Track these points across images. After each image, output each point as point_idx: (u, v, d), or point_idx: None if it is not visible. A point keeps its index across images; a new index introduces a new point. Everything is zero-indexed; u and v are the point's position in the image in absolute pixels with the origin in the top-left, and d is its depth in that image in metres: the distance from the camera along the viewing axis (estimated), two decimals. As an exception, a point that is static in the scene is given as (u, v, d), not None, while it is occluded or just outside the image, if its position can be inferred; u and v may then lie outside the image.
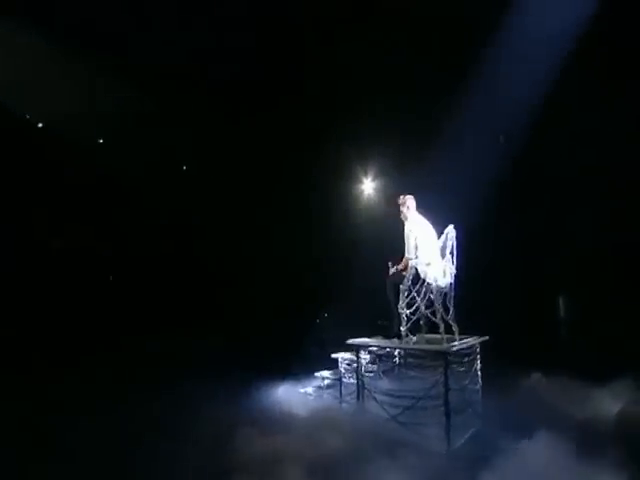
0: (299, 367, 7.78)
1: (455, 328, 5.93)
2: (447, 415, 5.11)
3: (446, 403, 5.13)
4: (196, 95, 10.09)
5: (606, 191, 8.00)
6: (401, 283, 5.98)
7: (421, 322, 6.13)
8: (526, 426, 5.18)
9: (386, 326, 6.28)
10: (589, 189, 8.22)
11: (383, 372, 6.15)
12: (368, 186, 11.41)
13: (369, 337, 6.40)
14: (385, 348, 6.13)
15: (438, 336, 5.88)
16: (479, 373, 6.11)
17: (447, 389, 5.18)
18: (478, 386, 6.07)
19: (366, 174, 11.24)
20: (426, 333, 6.19)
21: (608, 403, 5.94)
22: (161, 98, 9.75)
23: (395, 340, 6.05)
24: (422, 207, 6.25)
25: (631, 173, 7.60)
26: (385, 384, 5.96)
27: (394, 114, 9.22)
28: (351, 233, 10.66)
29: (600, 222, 8.09)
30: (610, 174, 7.86)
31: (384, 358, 6.16)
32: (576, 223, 8.42)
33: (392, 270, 6.16)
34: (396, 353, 6.17)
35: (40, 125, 10.05)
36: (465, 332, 6.05)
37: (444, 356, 5.33)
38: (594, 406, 5.97)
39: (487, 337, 6.25)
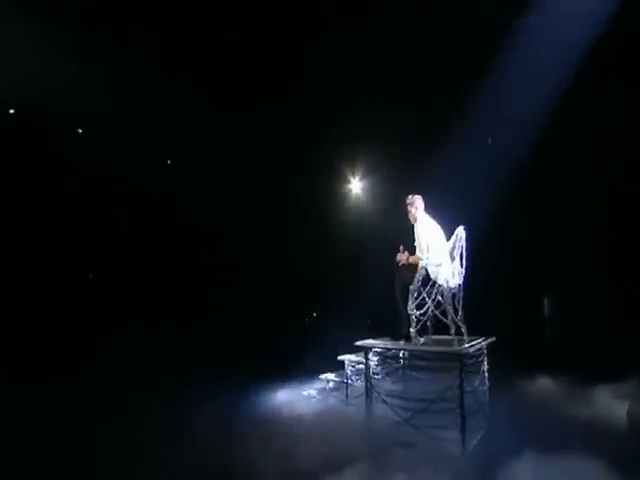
0: (301, 369, 7.71)
1: (464, 329, 5.91)
2: (462, 417, 5.06)
3: (461, 405, 5.08)
4: (194, 94, 9.92)
5: (610, 193, 8.14)
6: (410, 283, 5.89)
7: (428, 323, 6.09)
8: (533, 426, 5.22)
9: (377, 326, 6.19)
10: (593, 190, 8.35)
11: (387, 374, 6.07)
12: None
13: (374, 338, 6.28)
14: (391, 350, 6.05)
15: (446, 337, 5.86)
16: (486, 374, 6.09)
17: (462, 391, 5.13)
18: (486, 387, 6.05)
19: (363, 174, 11.29)
20: (432, 334, 6.15)
21: (611, 403, 6.03)
22: (159, 96, 9.56)
23: (403, 342, 5.97)
24: (428, 208, 6.21)
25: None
26: (393, 386, 5.90)
27: (398, 115, 9.22)
28: (351, 233, 10.64)
29: (603, 224, 8.23)
30: (616, 175, 7.98)
31: (389, 360, 6.09)
32: (579, 225, 8.54)
33: (402, 256, 5.89)
34: (401, 354, 6.10)
35: (12, 111, 9.70)
36: (469, 333, 5.98)
37: (459, 358, 5.27)
38: (596, 405, 6.06)
39: (494, 338, 6.26)
